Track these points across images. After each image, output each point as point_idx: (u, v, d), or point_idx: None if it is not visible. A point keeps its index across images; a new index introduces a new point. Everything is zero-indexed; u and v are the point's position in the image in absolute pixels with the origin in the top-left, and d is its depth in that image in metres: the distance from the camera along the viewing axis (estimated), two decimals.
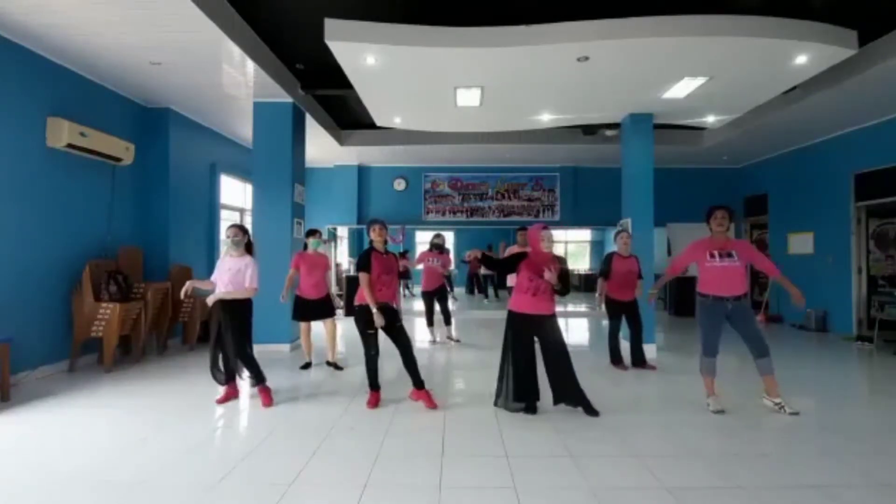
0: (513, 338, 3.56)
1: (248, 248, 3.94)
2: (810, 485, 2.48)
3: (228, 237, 3.84)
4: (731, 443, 3.09)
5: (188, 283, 3.77)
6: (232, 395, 3.86)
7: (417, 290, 9.37)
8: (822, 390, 4.28)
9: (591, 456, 2.82)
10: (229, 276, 3.77)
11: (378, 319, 3.54)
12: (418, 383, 3.73)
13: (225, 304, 3.74)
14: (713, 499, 2.34)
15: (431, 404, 3.65)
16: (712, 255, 3.48)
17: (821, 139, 7.61)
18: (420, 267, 6.47)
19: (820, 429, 3.30)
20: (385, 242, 3.76)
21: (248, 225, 7.94)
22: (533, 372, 3.57)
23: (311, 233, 4.95)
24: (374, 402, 3.71)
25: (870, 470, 2.66)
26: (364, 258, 3.64)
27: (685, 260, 3.74)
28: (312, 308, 4.82)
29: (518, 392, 3.53)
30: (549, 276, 3.33)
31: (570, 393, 3.54)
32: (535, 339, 3.57)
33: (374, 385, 3.76)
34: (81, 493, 2.36)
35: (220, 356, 3.86)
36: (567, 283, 3.51)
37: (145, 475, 2.55)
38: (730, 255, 3.46)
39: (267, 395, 3.78)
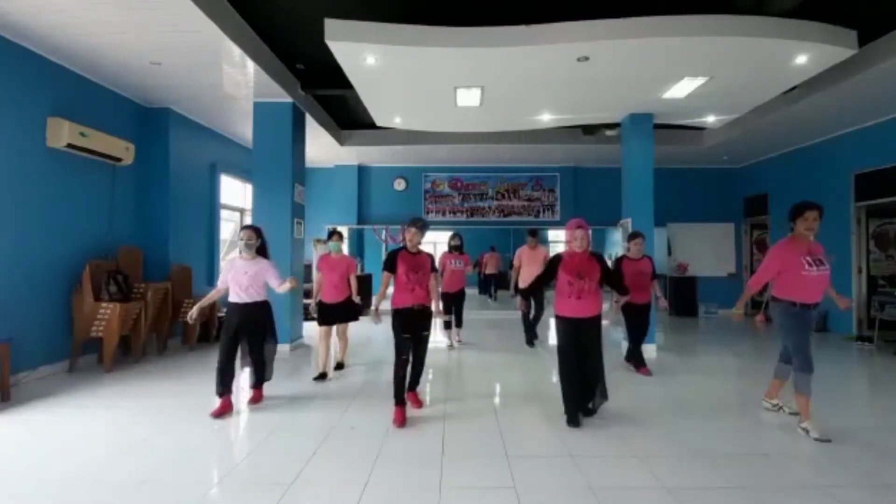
0: (565, 345, 3.38)
1: (262, 251, 3.80)
2: (810, 485, 2.49)
3: (242, 239, 3.70)
4: (731, 443, 3.09)
5: (195, 309, 3.64)
6: (227, 408, 3.56)
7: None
8: (823, 390, 4.26)
9: (591, 456, 2.82)
10: (248, 279, 3.63)
11: (374, 318, 3.61)
12: (413, 385, 3.72)
13: (249, 308, 3.66)
14: (713, 499, 2.34)
15: (416, 405, 3.69)
16: (810, 264, 3.16)
17: (821, 139, 7.60)
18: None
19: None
20: (418, 244, 3.57)
21: None
22: (579, 381, 3.36)
23: (331, 235, 4.76)
24: (400, 419, 3.31)
25: (870, 470, 2.66)
26: (389, 258, 3.55)
27: (774, 267, 3.29)
28: (332, 312, 4.66)
29: (565, 400, 3.37)
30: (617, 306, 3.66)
31: (588, 395, 3.39)
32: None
33: (398, 398, 3.38)
34: (81, 494, 2.36)
35: (241, 359, 3.79)
36: (620, 283, 3.68)
37: (145, 475, 2.55)
38: (821, 263, 3.19)
39: (259, 394, 3.83)
